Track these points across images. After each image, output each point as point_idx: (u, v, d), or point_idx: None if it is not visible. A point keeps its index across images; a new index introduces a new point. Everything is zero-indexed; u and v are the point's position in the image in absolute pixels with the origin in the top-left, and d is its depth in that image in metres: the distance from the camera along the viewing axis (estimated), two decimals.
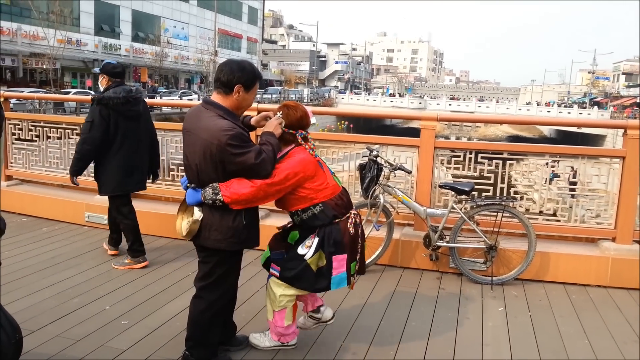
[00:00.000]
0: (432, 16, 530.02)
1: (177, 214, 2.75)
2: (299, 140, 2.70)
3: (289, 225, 2.97)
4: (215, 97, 2.55)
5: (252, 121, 2.73)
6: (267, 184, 2.53)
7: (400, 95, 70.18)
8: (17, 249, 4.59)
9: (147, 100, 4.79)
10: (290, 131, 2.69)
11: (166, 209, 5.20)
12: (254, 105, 4.79)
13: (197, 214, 2.57)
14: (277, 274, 2.77)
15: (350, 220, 2.75)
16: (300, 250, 2.71)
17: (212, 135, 2.41)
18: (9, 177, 5.99)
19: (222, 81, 2.51)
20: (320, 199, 2.66)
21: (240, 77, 2.51)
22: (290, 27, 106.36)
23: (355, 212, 2.84)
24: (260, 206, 2.74)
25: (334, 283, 2.73)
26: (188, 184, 2.64)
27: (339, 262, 2.71)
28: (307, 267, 2.69)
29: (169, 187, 5.35)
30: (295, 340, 3.00)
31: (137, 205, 5.35)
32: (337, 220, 2.71)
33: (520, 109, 57.29)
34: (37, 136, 5.82)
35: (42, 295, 3.66)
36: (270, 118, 2.71)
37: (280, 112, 2.70)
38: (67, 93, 27.66)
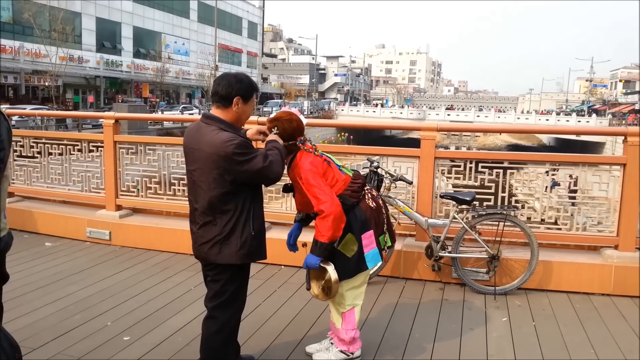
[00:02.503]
0: (429, 27, 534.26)
1: (311, 283, 2.87)
2: (301, 146, 2.77)
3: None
4: (215, 111, 2.55)
5: (248, 134, 2.74)
6: (325, 197, 2.62)
7: (381, 105, 71.02)
8: (19, 265, 4.58)
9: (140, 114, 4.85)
10: (291, 142, 2.74)
11: (168, 224, 5.20)
12: (254, 118, 4.83)
13: (333, 274, 2.70)
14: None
15: (367, 197, 2.87)
16: None
17: (216, 148, 2.40)
18: (10, 194, 6.01)
19: (220, 95, 2.52)
20: (336, 192, 2.74)
21: (239, 89, 2.52)
22: (290, 40, 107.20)
23: (369, 187, 2.95)
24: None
25: (369, 261, 2.83)
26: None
27: (368, 239, 2.82)
28: (341, 255, 2.77)
29: (170, 201, 5.35)
30: (360, 352, 3.01)
31: (139, 220, 5.39)
32: (355, 202, 2.81)
33: (519, 118, 57.46)
34: (39, 153, 5.85)
35: (43, 312, 3.65)
36: (265, 132, 2.74)
37: (276, 128, 2.73)
38: (70, 110, 27.79)
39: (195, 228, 2.60)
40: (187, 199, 2.72)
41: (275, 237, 4.68)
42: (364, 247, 2.79)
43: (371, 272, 3.77)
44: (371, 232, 2.83)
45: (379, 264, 4.31)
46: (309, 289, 2.89)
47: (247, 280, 2.75)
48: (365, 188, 2.92)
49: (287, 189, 3.03)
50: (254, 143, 2.66)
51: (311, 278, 2.87)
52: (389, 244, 3.02)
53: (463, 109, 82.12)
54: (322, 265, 2.71)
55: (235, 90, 2.51)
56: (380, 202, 2.98)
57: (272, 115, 2.83)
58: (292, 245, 3.09)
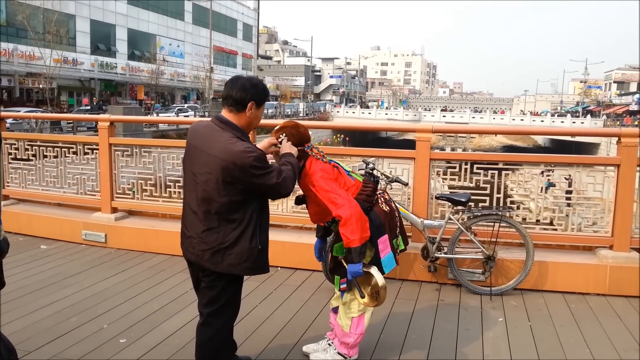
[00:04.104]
0: (424, 29, 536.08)
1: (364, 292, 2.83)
2: (308, 152, 2.77)
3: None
4: (227, 115, 2.50)
5: (260, 146, 2.69)
6: (342, 200, 2.60)
7: (377, 107, 71.51)
8: (15, 268, 4.56)
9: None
10: (299, 148, 2.75)
11: (164, 226, 5.19)
12: None
13: (380, 279, 2.68)
14: (346, 286, 2.85)
15: (380, 201, 2.87)
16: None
17: (233, 156, 2.34)
18: (5, 197, 5.98)
19: (234, 98, 2.47)
20: (352, 196, 2.73)
21: (254, 94, 2.49)
22: (285, 42, 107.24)
23: (381, 191, 2.96)
24: None
25: (385, 266, 2.81)
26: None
27: (384, 244, 2.81)
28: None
29: (166, 203, 5.34)
30: (357, 356, 3.01)
31: (134, 222, 5.38)
32: (369, 207, 2.80)
33: (514, 119, 57.72)
34: (34, 155, 5.83)
35: (39, 315, 3.63)
36: (276, 144, 2.73)
37: (284, 134, 2.73)
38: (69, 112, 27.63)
39: (194, 232, 2.52)
40: (182, 201, 2.68)
41: (271, 238, 4.66)
42: (380, 251, 2.78)
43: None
44: (386, 236, 2.81)
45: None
46: (363, 297, 2.78)
47: (242, 285, 2.72)
48: (378, 192, 2.91)
49: (299, 200, 3.03)
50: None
51: (361, 285, 2.80)
52: (402, 247, 3.01)
53: (452, 110, 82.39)
54: (364, 270, 2.69)
55: (250, 95, 2.48)
56: (393, 205, 2.98)
57: (277, 127, 2.81)
58: (319, 257, 3.16)
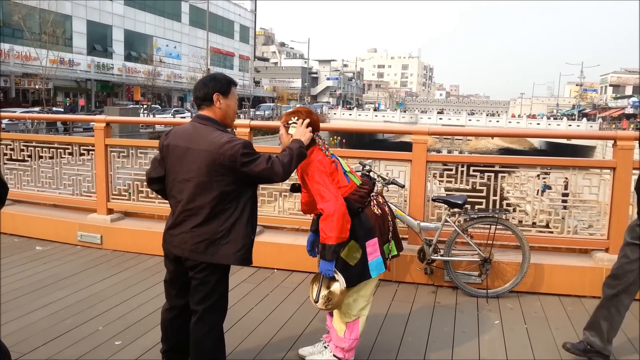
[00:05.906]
0: (422, 31, 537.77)
1: (311, 284, 2.81)
2: (317, 140, 2.77)
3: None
4: (203, 112, 2.59)
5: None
6: (329, 195, 2.59)
7: (374, 109, 71.73)
8: (10, 269, 4.54)
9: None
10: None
11: (159, 228, 5.14)
12: (246, 122, 4.83)
13: (341, 286, 2.63)
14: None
15: (373, 204, 2.85)
16: None
17: (221, 148, 2.40)
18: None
19: (199, 97, 2.58)
20: (342, 195, 2.71)
21: (214, 85, 2.57)
22: (282, 44, 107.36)
23: (375, 194, 2.93)
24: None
25: (372, 269, 2.78)
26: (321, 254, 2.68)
27: (372, 247, 2.78)
28: (344, 263, 2.72)
29: (162, 205, 5.32)
30: (353, 359, 2.99)
31: (130, 223, 5.36)
32: (360, 209, 2.78)
33: (510, 122, 57.94)
34: (29, 156, 5.80)
35: (34, 317, 3.61)
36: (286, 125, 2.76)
37: (296, 118, 2.75)
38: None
39: (185, 228, 2.52)
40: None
41: (268, 240, 4.68)
42: (367, 255, 2.76)
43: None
44: (375, 239, 2.79)
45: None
46: (317, 301, 2.73)
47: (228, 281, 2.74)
48: (372, 194, 2.89)
49: (294, 188, 3.03)
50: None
51: (322, 285, 2.76)
52: (394, 252, 2.98)
53: (443, 112, 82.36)
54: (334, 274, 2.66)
55: (211, 87, 2.57)
56: (387, 209, 2.95)
57: (289, 110, 2.83)
58: (310, 250, 3.13)
